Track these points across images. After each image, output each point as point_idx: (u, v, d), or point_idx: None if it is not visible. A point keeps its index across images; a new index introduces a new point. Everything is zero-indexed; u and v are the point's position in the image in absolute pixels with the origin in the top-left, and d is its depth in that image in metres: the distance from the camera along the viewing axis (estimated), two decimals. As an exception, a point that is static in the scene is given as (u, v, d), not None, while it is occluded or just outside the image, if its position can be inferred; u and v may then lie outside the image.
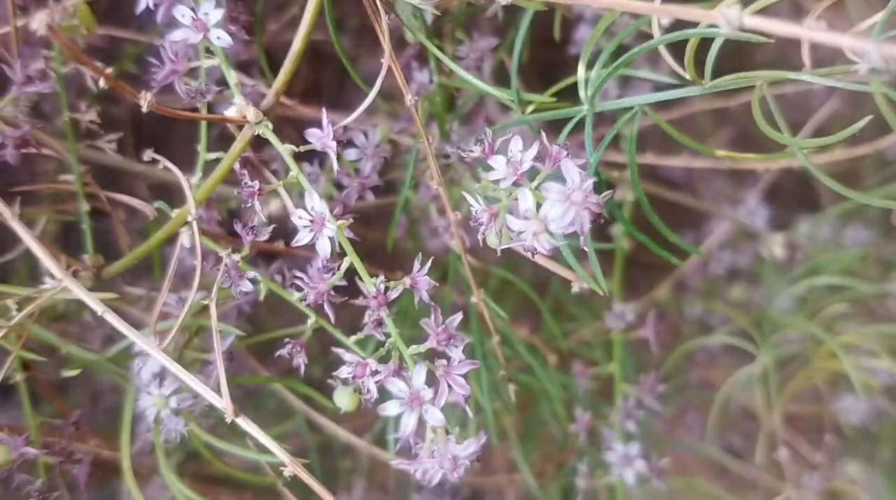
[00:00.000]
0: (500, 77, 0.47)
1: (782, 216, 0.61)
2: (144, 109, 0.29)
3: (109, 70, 0.38)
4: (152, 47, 0.37)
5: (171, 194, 0.49)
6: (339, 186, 0.43)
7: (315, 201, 0.32)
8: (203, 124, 0.38)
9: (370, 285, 0.32)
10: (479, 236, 0.34)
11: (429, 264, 0.33)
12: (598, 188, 0.33)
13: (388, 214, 0.48)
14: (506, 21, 0.46)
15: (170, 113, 0.31)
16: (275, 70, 0.35)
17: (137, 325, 0.43)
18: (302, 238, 0.32)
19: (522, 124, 0.40)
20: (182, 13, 0.33)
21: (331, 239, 0.32)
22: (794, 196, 0.62)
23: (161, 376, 0.38)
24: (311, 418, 0.49)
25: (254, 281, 0.37)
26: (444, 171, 0.44)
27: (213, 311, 0.37)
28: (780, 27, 0.23)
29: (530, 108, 0.40)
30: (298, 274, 0.33)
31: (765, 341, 0.56)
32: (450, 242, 0.44)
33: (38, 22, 0.24)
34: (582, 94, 0.37)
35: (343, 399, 0.35)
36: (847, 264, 0.57)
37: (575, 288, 0.38)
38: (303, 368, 0.37)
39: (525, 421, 0.55)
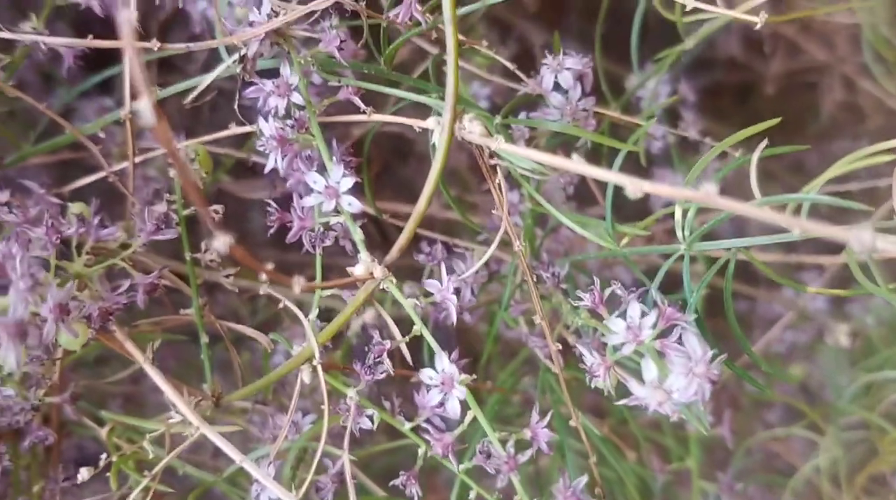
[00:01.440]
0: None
1: (842, 301, 0.63)
2: (297, 291, 0.31)
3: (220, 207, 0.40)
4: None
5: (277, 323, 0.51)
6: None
7: (445, 363, 0.34)
8: (318, 260, 0.40)
9: (500, 447, 0.34)
10: (591, 384, 0.36)
11: (548, 417, 0.35)
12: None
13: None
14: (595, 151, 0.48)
15: (309, 288, 0.33)
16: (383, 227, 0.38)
17: (250, 439, 0.45)
18: (432, 399, 0.34)
19: (617, 255, 0.42)
20: (314, 180, 0.36)
21: (460, 400, 0.34)
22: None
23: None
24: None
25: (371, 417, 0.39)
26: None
27: (323, 435, 0.39)
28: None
29: (625, 240, 0.42)
30: (425, 426, 0.35)
31: (829, 424, 0.58)
32: (544, 360, 0.46)
33: (222, 244, 0.25)
34: (679, 234, 0.39)
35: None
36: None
37: (674, 418, 0.40)
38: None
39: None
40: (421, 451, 0.40)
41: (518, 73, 0.44)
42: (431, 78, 0.42)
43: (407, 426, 0.39)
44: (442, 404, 0.34)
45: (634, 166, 0.52)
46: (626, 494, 0.54)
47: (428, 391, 0.34)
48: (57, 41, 0.38)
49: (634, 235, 0.42)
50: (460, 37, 0.35)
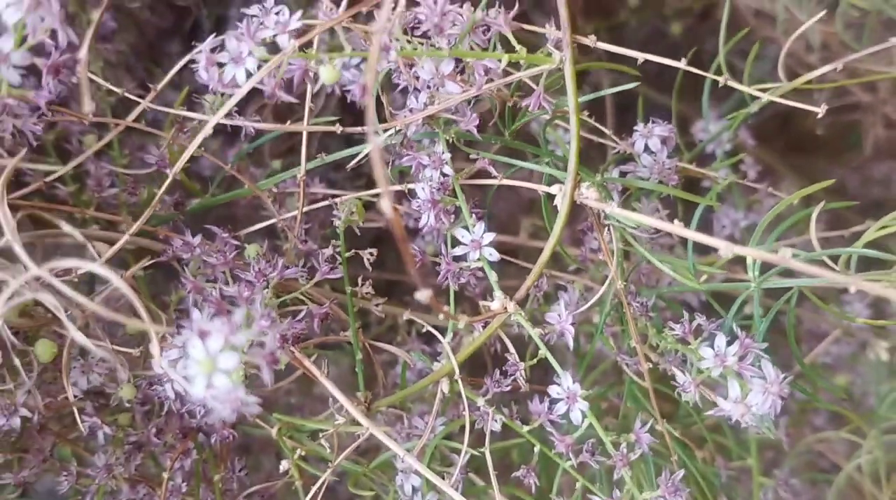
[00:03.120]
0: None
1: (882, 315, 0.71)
2: (461, 324, 0.40)
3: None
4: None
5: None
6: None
7: (568, 381, 0.43)
8: (452, 294, 0.50)
9: (612, 448, 0.43)
10: (681, 398, 0.46)
11: (649, 424, 0.44)
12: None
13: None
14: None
15: (454, 318, 0.43)
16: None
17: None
18: (559, 409, 0.43)
19: (696, 291, 0.51)
20: (462, 235, 0.45)
21: (582, 412, 0.43)
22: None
23: (418, 488, 0.50)
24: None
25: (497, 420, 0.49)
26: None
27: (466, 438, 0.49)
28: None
29: (703, 277, 0.51)
30: (554, 435, 0.44)
31: (871, 428, 0.66)
32: (632, 375, 0.55)
33: (424, 296, 0.35)
34: (750, 274, 0.48)
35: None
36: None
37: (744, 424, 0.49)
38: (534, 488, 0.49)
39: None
40: (536, 449, 0.50)
41: (613, 138, 0.53)
42: (542, 143, 0.51)
43: (525, 428, 0.49)
44: (552, 409, 0.43)
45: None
46: (697, 486, 0.63)
47: (554, 404, 0.44)
48: (261, 126, 0.48)
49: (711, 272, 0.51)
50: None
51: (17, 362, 0.45)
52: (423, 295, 0.36)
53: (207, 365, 0.33)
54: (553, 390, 0.44)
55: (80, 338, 0.33)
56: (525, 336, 0.47)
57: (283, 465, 0.47)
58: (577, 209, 0.53)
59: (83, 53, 0.38)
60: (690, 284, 0.50)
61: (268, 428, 0.53)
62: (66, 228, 0.37)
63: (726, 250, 0.39)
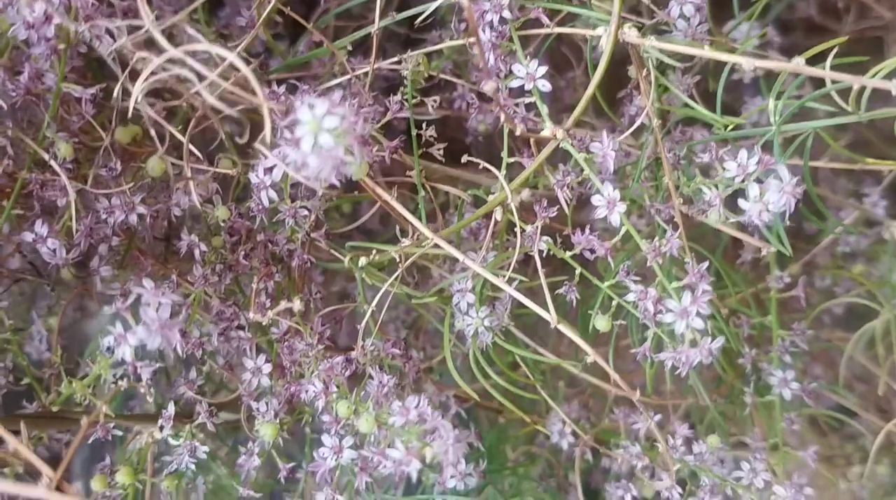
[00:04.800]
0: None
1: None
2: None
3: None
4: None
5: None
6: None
7: (609, 189, 0.50)
8: (506, 136, 0.57)
9: (643, 244, 0.50)
10: (701, 215, 0.52)
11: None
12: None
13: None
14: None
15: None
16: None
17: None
18: (600, 213, 0.50)
19: (724, 139, 0.58)
20: (518, 69, 0.52)
21: (620, 214, 0.50)
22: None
23: (472, 304, 0.57)
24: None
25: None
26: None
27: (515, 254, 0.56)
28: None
29: (730, 127, 0.57)
30: (595, 241, 0.51)
31: (887, 302, 0.72)
32: (663, 223, 0.61)
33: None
34: (772, 118, 0.54)
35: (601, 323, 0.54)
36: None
37: (763, 252, 0.56)
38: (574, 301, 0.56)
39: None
40: (577, 271, 0.57)
41: (652, 6, 0.59)
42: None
43: (568, 253, 0.56)
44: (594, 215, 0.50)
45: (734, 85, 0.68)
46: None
47: (596, 210, 0.50)
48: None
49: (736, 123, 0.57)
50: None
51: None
52: (489, 86, 0.43)
53: (314, 125, 0.40)
54: (595, 200, 0.50)
55: (212, 100, 0.41)
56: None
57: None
58: (618, 74, 0.61)
59: None
60: (721, 130, 0.57)
61: (341, 258, 0.60)
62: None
63: (748, 64, 0.46)
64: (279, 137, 0.47)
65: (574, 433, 0.69)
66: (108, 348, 0.47)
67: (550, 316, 0.50)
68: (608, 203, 0.50)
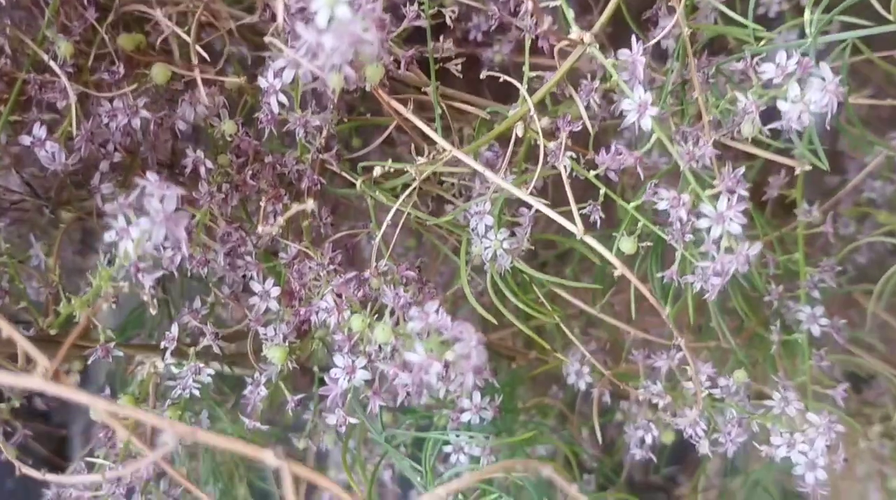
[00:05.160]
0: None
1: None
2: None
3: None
4: None
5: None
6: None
7: (641, 92, 0.47)
8: (527, 48, 0.54)
9: (676, 152, 0.47)
10: (735, 129, 0.50)
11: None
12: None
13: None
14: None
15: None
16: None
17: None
18: (630, 119, 0.48)
19: (760, 52, 0.55)
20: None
21: (652, 117, 0.47)
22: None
23: (490, 227, 0.55)
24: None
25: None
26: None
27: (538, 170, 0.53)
28: None
29: (762, 42, 0.55)
30: (622, 150, 0.49)
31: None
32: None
33: None
34: (807, 30, 0.52)
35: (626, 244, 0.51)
36: None
37: (798, 171, 0.53)
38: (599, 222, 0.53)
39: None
40: (602, 191, 0.54)
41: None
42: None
43: (591, 173, 0.53)
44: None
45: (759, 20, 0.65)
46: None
47: (626, 114, 0.48)
48: None
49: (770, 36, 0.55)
50: None
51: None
52: None
53: (330, -3, 0.37)
54: (625, 104, 0.48)
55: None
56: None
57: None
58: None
59: None
60: (751, 42, 0.54)
61: (355, 181, 0.58)
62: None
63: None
64: (292, 24, 0.44)
65: (592, 374, 0.67)
66: (109, 260, 0.44)
67: (577, 228, 0.48)
68: (639, 106, 0.47)
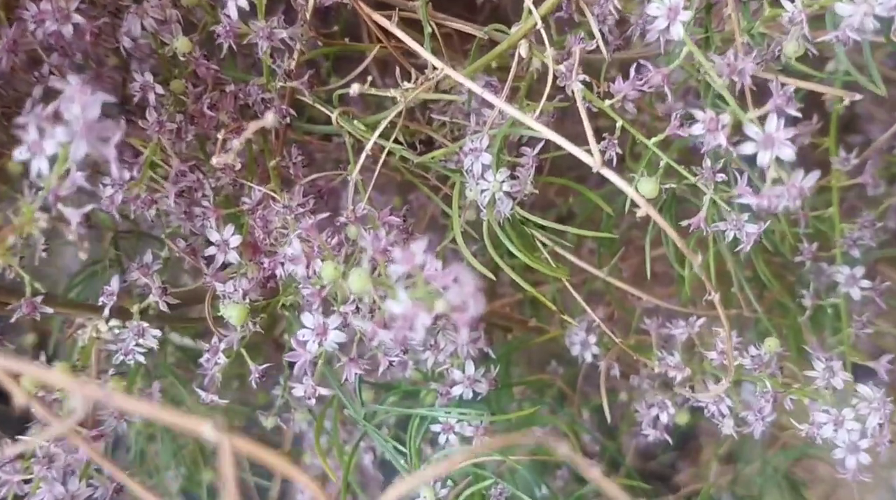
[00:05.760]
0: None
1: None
2: None
3: None
4: None
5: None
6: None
7: (669, -2, 0.40)
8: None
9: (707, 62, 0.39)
10: (776, 51, 0.42)
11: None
12: None
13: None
14: None
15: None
16: None
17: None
18: (660, 25, 0.40)
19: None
20: None
21: (683, 23, 0.39)
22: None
23: (488, 166, 0.47)
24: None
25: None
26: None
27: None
28: None
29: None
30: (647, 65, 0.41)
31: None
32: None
33: None
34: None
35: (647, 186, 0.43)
36: None
37: (845, 102, 0.46)
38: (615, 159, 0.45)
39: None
40: (619, 124, 0.46)
41: None
42: None
43: (607, 102, 0.45)
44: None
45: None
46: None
47: (651, 23, 0.40)
48: None
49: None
50: None
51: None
52: None
53: None
54: (651, 8, 0.40)
55: None
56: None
57: (353, 88, 0.43)
58: None
59: None
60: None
61: (330, 114, 0.50)
62: None
63: None
64: None
65: (598, 345, 0.59)
66: (33, 188, 0.36)
67: (594, 160, 0.40)
68: (669, 10, 0.40)
